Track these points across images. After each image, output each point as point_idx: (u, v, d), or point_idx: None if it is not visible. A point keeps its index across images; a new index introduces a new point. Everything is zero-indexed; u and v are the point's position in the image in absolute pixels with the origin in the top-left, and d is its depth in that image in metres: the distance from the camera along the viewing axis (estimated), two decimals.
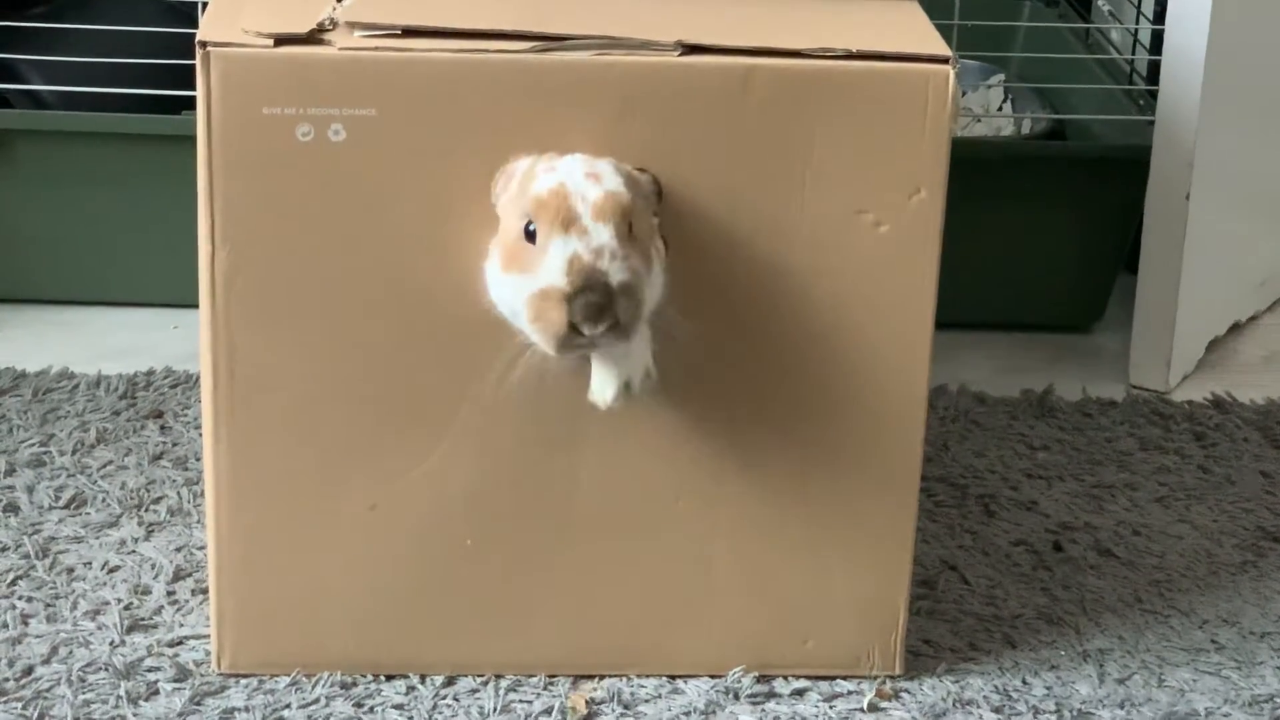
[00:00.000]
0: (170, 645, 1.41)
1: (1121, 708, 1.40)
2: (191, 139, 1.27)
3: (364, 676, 1.38)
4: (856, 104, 1.28)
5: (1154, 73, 1.96)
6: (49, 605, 1.45)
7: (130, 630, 1.43)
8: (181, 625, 1.44)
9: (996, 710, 1.39)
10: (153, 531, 1.55)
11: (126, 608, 1.45)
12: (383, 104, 1.26)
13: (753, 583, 1.38)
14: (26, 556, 1.51)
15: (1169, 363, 1.88)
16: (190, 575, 1.50)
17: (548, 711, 1.36)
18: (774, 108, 1.28)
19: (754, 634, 1.40)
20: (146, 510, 1.58)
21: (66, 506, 1.58)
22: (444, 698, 1.37)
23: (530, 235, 1.24)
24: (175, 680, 1.37)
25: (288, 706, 1.35)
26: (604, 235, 1.23)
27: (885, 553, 1.38)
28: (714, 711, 1.37)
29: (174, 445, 1.68)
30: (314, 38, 1.26)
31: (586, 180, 1.24)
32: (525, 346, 1.27)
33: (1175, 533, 1.63)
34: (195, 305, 1.31)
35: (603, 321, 1.21)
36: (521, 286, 1.24)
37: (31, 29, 1.97)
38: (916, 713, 1.38)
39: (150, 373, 1.81)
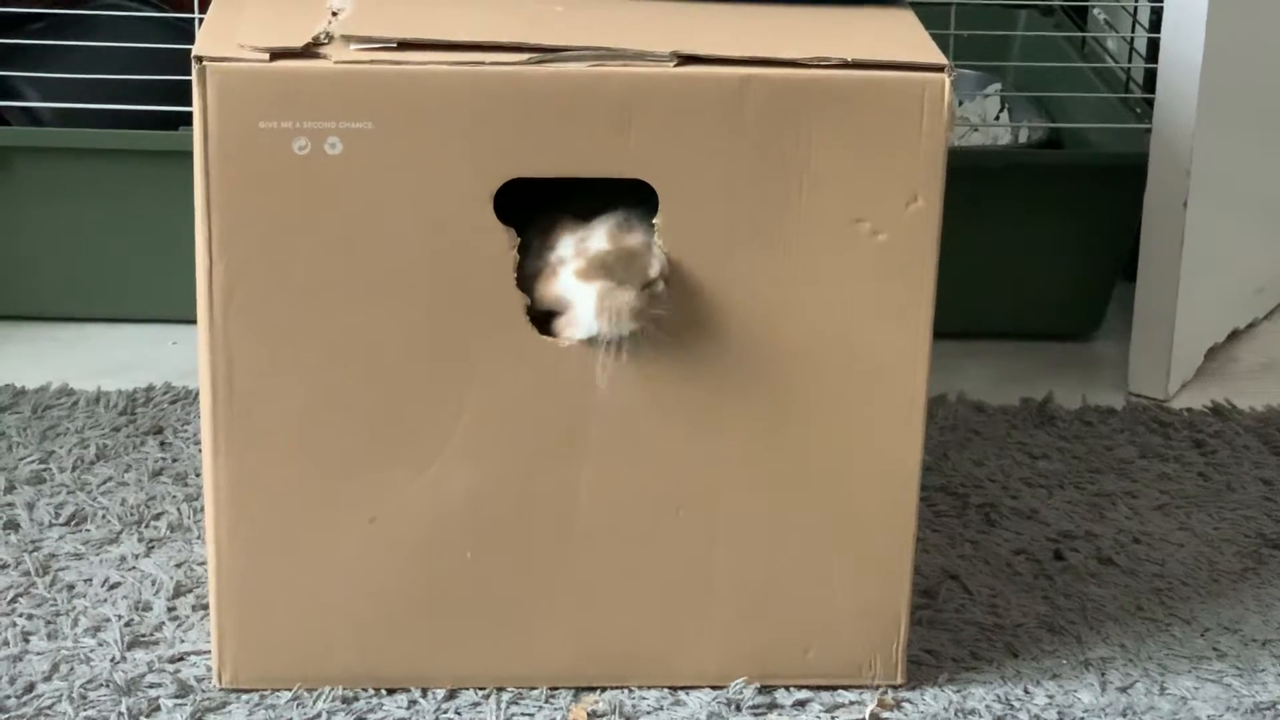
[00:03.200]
0: (171, 661, 1.41)
1: (1124, 716, 1.40)
2: (189, 154, 1.27)
3: (365, 690, 1.38)
4: (853, 113, 1.28)
5: (1150, 81, 1.97)
6: (50, 622, 1.45)
7: (131, 647, 1.43)
8: (182, 641, 1.44)
9: (999, 719, 1.39)
10: (153, 548, 1.55)
11: (127, 624, 1.45)
12: (379, 117, 1.26)
13: (754, 593, 1.38)
14: (27, 574, 1.51)
15: (1168, 370, 1.88)
16: (191, 591, 1.49)
17: None
18: (770, 117, 1.28)
19: (755, 645, 1.40)
20: (147, 526, 1.58)
21: (67, 523, 1.58)
22: (445, 711, 1.37)
23: (552, 314, 1.32)
24: (177, 696, 1.37)
25: None
26: (601, 240, 1.31)
27: (886, 562, 1.38)
28: None
29: (174, 461, 1.68)
30: (310, 51, 1.26)
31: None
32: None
33: (1176, 540, 1.63)
34: (194, 320, 1.31)
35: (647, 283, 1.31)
36: (582, 312, 1.30)
37: (28, 46, 1.97)
38: None
39: (150, 389, 1.81)
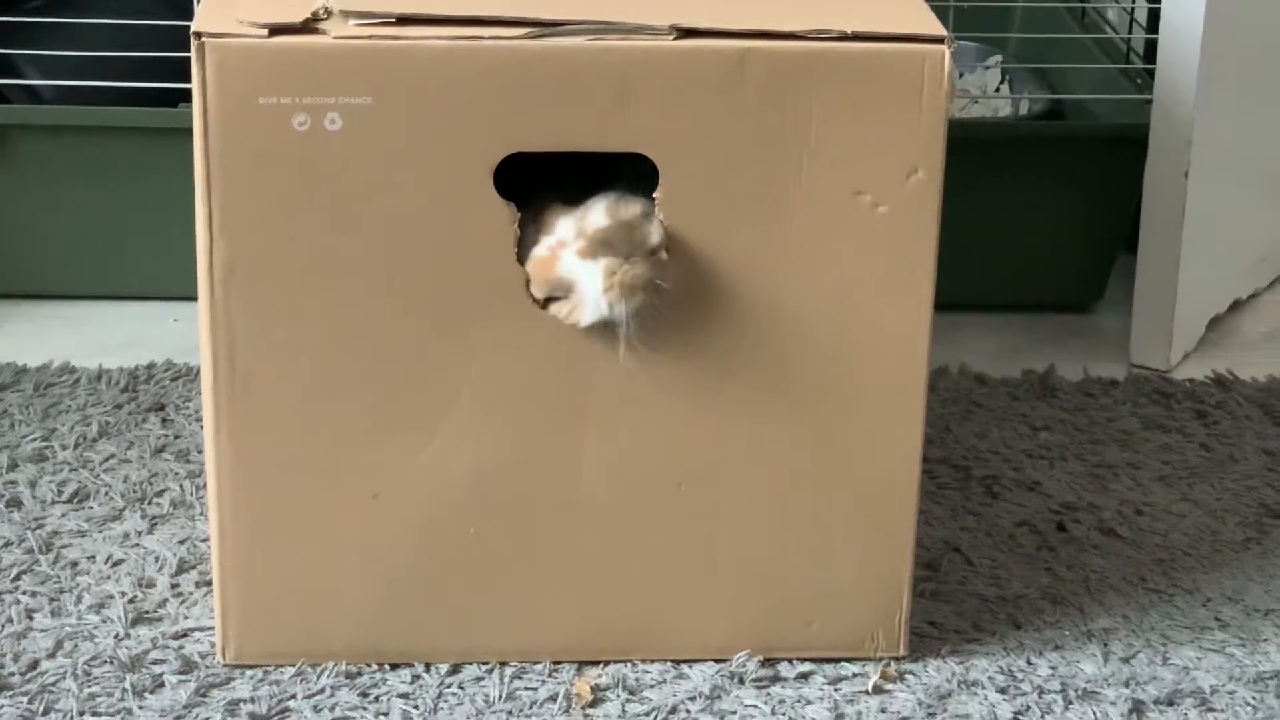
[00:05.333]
0: (175, 637, 1.42)
1: (1126, 686, 1.40)
2: (189, 131, 1.27)
3: (369, 666, 1.39)
4: (852, 85, 1.28)
5: (1151, 51, 1.96)
6: (53, 599, 1.45)
7: (135, 623, 1.43)
8: (186, 617, 1.44)
9: (1001, 691, 1.39)
10: (156, 524, 1.56)
11: (131, 601, 1.45)
12: (378, 92, 1.26)
13: (756, 566, 1.38)
14: (30, 551, 1.51)
15: (1170, 341, 1.88)
16: (194, 568, 1.50)
17: (553, 698, 1.36)
18: (770, 90, 1.28)
19: (758, 618, 1.40)
20: (149, 503, 1.58)
21: (69, 501, 1.59)
22: (449, 686, 1.37)
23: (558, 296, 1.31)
24: (181, 672, 1.38)
25: (293, 697, 1.35)
26: (600, 217, 1.30)
27: (888, 535, 1.38)
28: (719, 696, 1.37)
29: (176, 438, 1.68)
30: (309, 27, 1.26)
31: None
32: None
33: (1178, 511, 1.63)
34: (195, 298, 1.31)
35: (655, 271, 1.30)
36: (590, 292, 1.29)
37: (28, 24, 1.97)
38: (921, 694, 1.38)
39: (151, 366, 1.81)
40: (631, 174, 1.31)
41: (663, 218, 1.30)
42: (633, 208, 1.30)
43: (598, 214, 1.30)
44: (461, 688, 1.37)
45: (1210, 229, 1.88)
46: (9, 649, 1.39)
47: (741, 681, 1.39)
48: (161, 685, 1.37)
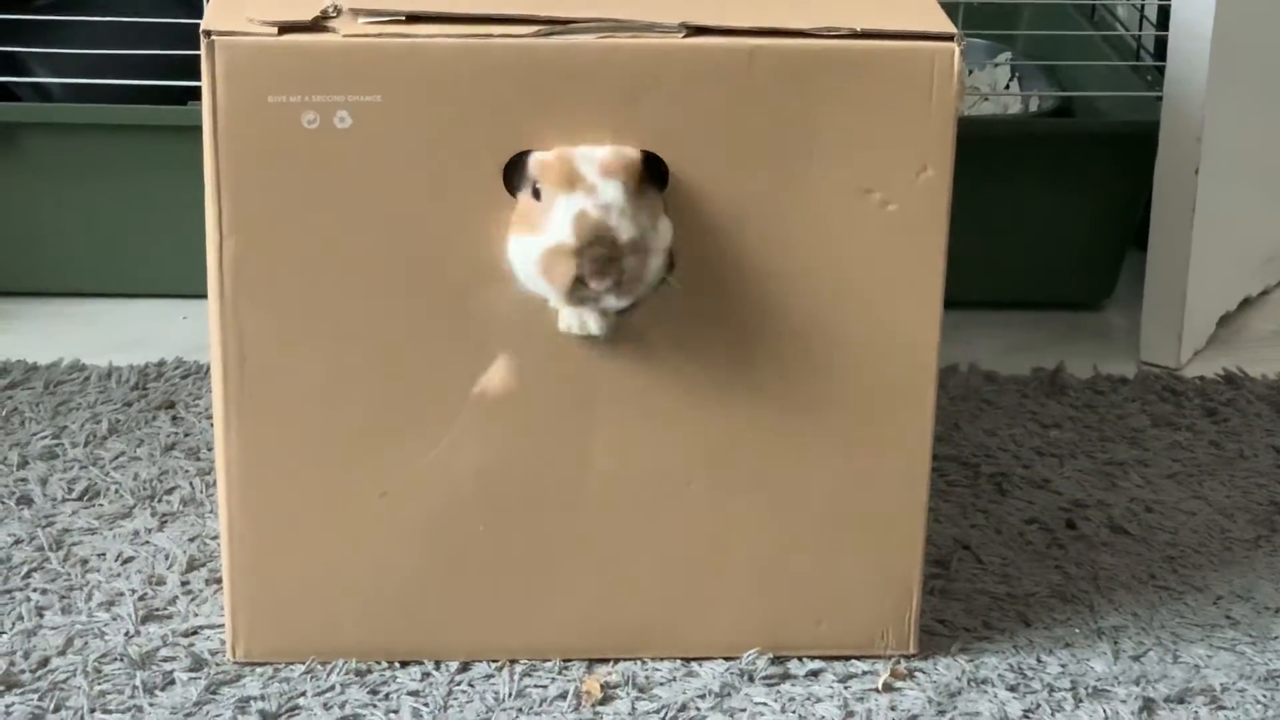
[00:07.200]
0: (185, 635, 1.42)
1: (1136, 684, 1.40)
2: (198, 129, 1.27)
3: (379, 663, 1.39)
4: (862, 83, 1.28)
5: (1161, 48, 1.96)
6: (64, 597, 1.46)
7: (145, 621, 1.43)
8: (196, 615, 1.44)
9: (1011, 689, 1.39)
10: (166, 522, 1.56)
11: (141, 598, 1.45)
12: (388, 90, 1.26)
13: (766, 565, 1.38)
14: (40, 549, 1.51)
15: (1180, 339, 1.88)
16: (204, 565, 1.50)
17: (563, 696, 1.36)
18: (779, 88, 1.28)
19: (768, 616, 1.40)
20: (159, 501, 1.59)
21: (80, 498, 1.59)
22: (459, 684, 1.37)
23: (536, 194, 1.27)
24: (191, 670, 1.38)
25: (303, 694, 1.36)
26: (611, 192, 1.26)
27: (898, 533, 1.38)
28: (729, 694, 1.37)
29: (186, 436, 1.69)
30: (318, 25, 1.26)
31: (593, 146, 1.27)
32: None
33: (1188, 509, 1.63)
34: (204, 296, 1.31)
35: (609, 276, 1.25)
36: (533, 245, 1.27)
37: (36, 22, 1.97)
38: (931, 692, 1.38)
39: (161, 363, 1.81)
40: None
41: (668, 216, 1.30)
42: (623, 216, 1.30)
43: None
44: (471, 685, 1.37)
45: (1220, 226, 1.88)
46: (19, 646, 1.40)
47: (751, 679, 1.39)
48: (172, 683, 1.37)
